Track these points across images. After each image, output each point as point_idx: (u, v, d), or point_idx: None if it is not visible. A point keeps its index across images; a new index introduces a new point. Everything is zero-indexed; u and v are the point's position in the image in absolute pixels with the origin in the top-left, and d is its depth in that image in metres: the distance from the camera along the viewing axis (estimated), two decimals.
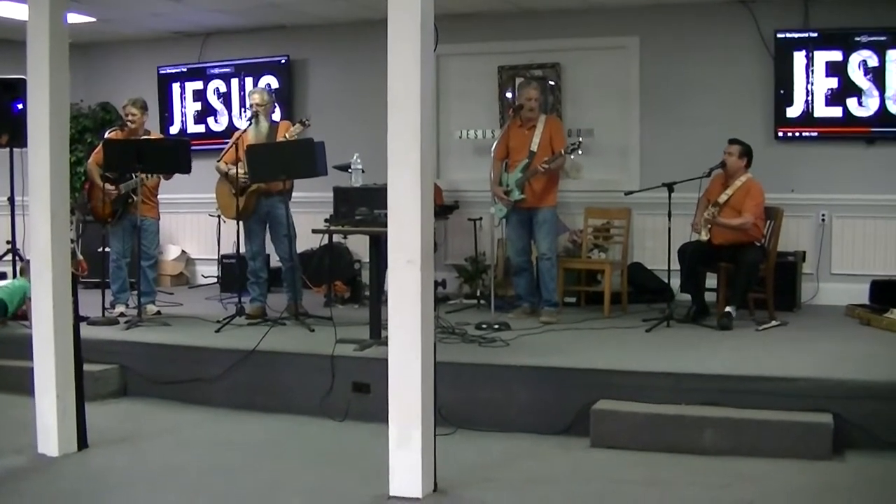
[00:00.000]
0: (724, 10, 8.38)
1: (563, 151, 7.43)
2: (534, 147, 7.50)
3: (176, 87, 10.33)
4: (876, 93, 7.94)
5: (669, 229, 7.08)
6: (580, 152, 7.50)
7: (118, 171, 7.51)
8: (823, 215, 8.27)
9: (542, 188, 7.52)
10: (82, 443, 5.12)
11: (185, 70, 10.27)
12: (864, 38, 7.92)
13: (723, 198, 7.19)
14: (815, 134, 8.18)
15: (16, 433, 5.35)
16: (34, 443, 5.05)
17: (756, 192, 7.15)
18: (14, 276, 7.93)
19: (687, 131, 8.49)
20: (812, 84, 8.11)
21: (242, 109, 9.80)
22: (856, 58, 7.94)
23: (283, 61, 9.76)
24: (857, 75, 7.97)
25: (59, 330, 4.98)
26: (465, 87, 9.31)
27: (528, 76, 8.91)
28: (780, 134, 8.24)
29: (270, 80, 9.70)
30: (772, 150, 8.14)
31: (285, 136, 7.35)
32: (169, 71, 10.33)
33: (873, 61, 7.91)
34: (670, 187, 7.12)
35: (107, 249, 7.88)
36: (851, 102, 8.02)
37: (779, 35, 8.16)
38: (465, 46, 8.90)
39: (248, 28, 9.80)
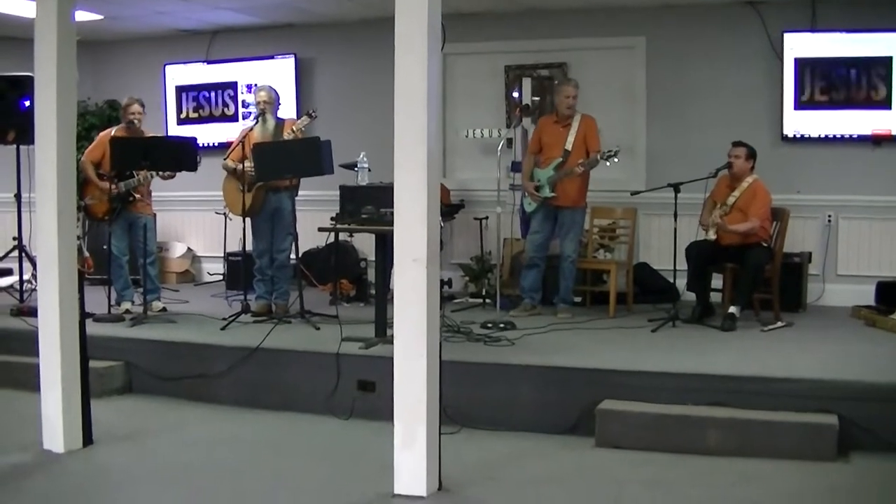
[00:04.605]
0: (731, 11, 8.36)
1: (598, 157, 7.39)
2: (568, 146, 7.49)
3: (183, 84, 10.35)
4: (884, 93, 7.92)
5: (675, 229, 7.08)
6: (616, 160, 7.37)
7: (125, 170, 7.52)
8: (829, 216, 8.26)
9: (575, 189, 7.53)
10: (87, 439, 5.13)
11: (191, 67, 10.28)
12: (872, 38, 7.91)
13: (730, 199, 7.18)
14: (821, 135, 8.17)
15: (21, 429, 5.35)
16: (39, 439, 5.06)
17: (762, 195, 7.15)
18: (21, 272, 7.96)
19: (693, 131, 8.48)
20: (819, 85, 8.10)
21: (249, 106, 9.80)
22: (863, 58, 7.93)
23: (290, 59, 9.77)
24: (864, 76, 7.96)
25: (65, 326, 4.99)
26: (472, 87, 9.30)
27: (534, 76, 8.90)
28: (787, 135, 8.23)
29: (277, 79, 9.69)
30: (778, 151, 8.13)
31: (292, 130, 7.35)
32: (176, 68, 10.35)
33: (881, 62, 7.89)
34: (676, 188, 7.11)
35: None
36: (859, 103, 8.01)
37: (786, 35, 8.15)
38: (472, 46, 8.92)
39: (256, 26, 9.81)
